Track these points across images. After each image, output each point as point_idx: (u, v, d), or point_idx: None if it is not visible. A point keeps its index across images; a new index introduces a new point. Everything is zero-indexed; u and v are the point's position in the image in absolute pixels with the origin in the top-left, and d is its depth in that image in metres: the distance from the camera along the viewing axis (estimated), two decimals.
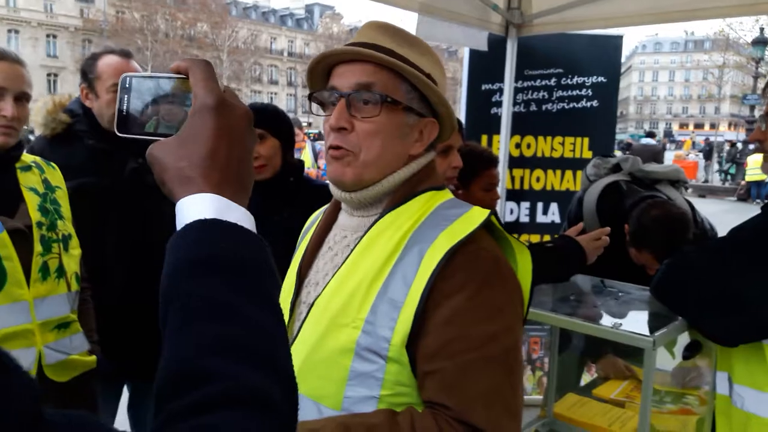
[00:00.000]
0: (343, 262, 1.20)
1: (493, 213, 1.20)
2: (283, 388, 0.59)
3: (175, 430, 0.53)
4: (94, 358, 2.06)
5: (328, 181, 1.30)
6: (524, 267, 1.24)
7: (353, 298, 1.13)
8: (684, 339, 2.23)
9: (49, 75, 51.29)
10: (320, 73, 1.27)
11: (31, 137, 2.63)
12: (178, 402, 0.55)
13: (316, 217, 1.46)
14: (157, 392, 0.57)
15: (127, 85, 0.74)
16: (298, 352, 1.19)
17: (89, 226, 2.20)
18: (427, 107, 1.24)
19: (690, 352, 2.18)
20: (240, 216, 0.67)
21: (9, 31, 49.69)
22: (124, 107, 0.74)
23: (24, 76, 1.88)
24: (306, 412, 1.12)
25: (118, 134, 0.74)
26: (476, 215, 1.18)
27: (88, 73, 2.40)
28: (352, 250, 1.20)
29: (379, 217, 1.21)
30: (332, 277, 1.20)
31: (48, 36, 52.70)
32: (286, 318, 1.27)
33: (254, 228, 0.68)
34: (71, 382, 1.95)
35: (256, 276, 0.64)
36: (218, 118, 0.69)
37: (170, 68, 0.74)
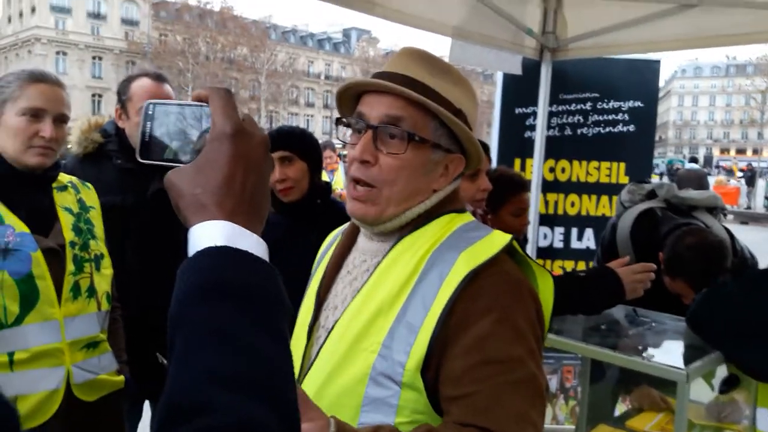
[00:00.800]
0: (362, 286, 1.19)
1: (515, 238, 1.19)
2: (282, 420, 0.59)
3: None
4: (122, 378, 2.07)
5: None
6: (546, 292, 1.22)
7: (373, 323, 1.12)
8: (722, 371, 2.16)
9: (93, 95, 52.89)
10: (349, 98, 1.27)
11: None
12: (176, 431, 0.55)
13: (334, 237, 1.45)
14: (156, 424, 0.57)
15: (150, 112, 0.75)
16: (315, 376, 1.18)
17: (111, 243, 2.23)
18: (454, 143, 1.23)
19: (727, 386, 2.11)
20: (252, 244, 0.66)
21: (57, 53, 51.46)
22: (147, 134, 0.75)
23: (63, 98, 1.93)
24: None
25: (141, 161, 0.75)
26: (497, 239, 1.17)
27: (122, 95, 2.47)
28: (371, 275, 1.19)
29: (398, 240, 1.20)
30: (351, 301, 1.19)
31: (94, 58, 54.47)
32: (303, 341, 1.27)
33: (267, 256, 0.68)
34: (99, 401, 1.96)
35: (264, 305, 0.64)
36: (235, 145, 0.69)
37: (192, 96, 0.76)
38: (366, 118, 1.19)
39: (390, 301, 1.12)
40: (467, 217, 1.26)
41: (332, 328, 1.20)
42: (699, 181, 7.50)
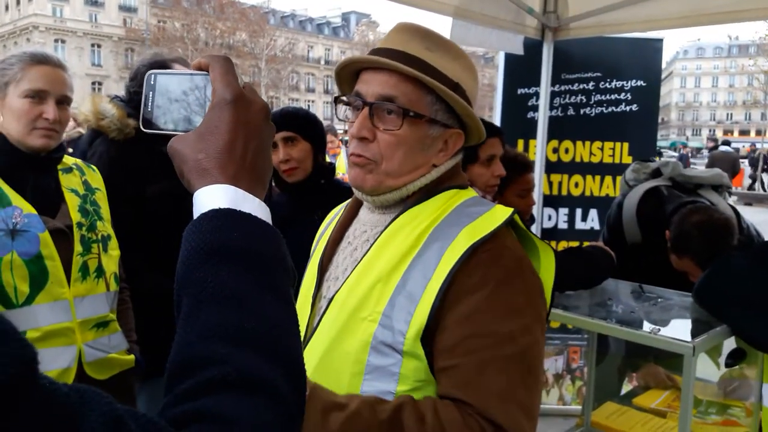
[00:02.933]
0: (363, 257, 1.20)
1: (516, 212, 1.19)
2: (288, 377, 0.60)
3: (170, 414, 0.54)
4: (132, 357, 2.09)
5: None
6: (547, 267, 1.23)
7: (372, 292, 1.14)
8: (728, 347, 2.17)
9: (93, 83, 52.69)
10: (348, 77, 1.28)
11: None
12: (180, 387, 0.56)
13: (336, 212, 1.47)
14: (166, 378, 0.59)
15: (152, 82, 0.76)
16: (317, 346, 1.19)
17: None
18: (453, 117, 1.23)
19: (733, 359, 2.12)
20: (254, 207, 0.68)
21: (56, 41, 51.28)
22: (150, 104, 0.76)
23: (66, 80, 1.93)
24: None
25: (143, 130, 0.76)
26: (499, 213, 1.17)
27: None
28: (371, 245, 1.21)
29: (400, 213, 1.21)
30: (351, 271, 1.21)
31: (92, 45, 54.27)
32: (307, 312, 1.28)
33: (269, 218, 0.69)
34: (110, 380, 1.98)
35: (268, 266, 0.65)
36: (236, 112, 0.70)
37: (192, 65, 0.77)
38: (363, 95, 1.20)
39: (389, 270, 1.13)
40: (469, 193, 1.27)
41: (332, 298, 1.21)
42: (732, 162, 7.55)
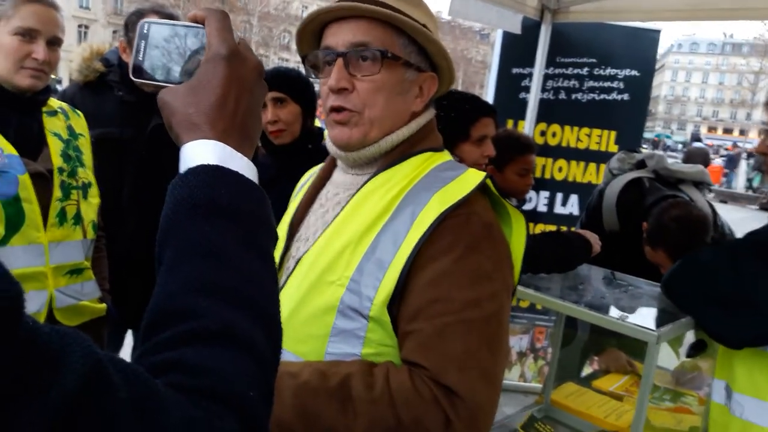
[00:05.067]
0: (333, 220, 1.20)
1: (489, 176, 1.18)
2: (267, 332, 0.61)
3: (148, 361, 0.55)
4: (104, 306, 2.09)
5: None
6: (518, 234, 1.22)
7: (341, 256, 1.12)
8: (690, 339, 2.23)
9: (80, 26, 51.37)
10: (310, 36, 1.25)
11: (59, 87, 2.67)
12: (160, 336, 0.57)
13: (311, 174, 1.45)
14: (142, 328, 0.59)
15: (145, 31, 0.75)
16: (283, 305, 1.19)
17: (106, 176, 2.22)
18: (425, 61, 1.22)
19: (695, 351, 2.18)
20: (242, 165, 0.68)
21: None
22: (141, 53, 0.74)
23: (58, 21, 1.88)
24: None
25: (132, 78, 0.75)
26: (471, 178, 1.15)
27: (129, 29, 2.41)
28: (342, 208, 1.20)
29: (373, 176, 1.20)
30: (321, 233, 1.20)
31: None
32: None
33: (256, 178, 0.69)
34: (80, 327, 1.98)
35: (252, 224, 0.66)
36: (229, 67, 0.70)
37: (188, 17, 0.75)
38: (333, 47, 1.17)
39: (359, 235, 1.12)
40: (444, 156, 1.26)
41: (300, 258, 1.21)
42: (704, 158, 7.83)
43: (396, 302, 1.07)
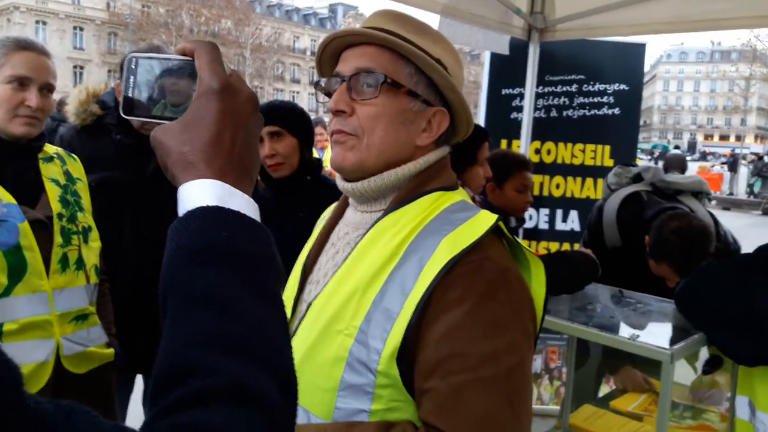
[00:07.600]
0: (343, 262, 1.15)
1: (501, 218, 1.11)
2: (280, 386, 0.57)
3: (158, 426, 0.52)
4: (111, 351, 2.06)
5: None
6: (538, 278, 1.13)
7: (348, 303, 1.07)
8: (706, 353, 2.20)
9: (75, 67, 51.84)
10: (328, 62, 1.24)
11: (61, 128, 2.66)
12: (168, 397, 0.54)
13: (330, 210, 1.41)
14: (152, 385, 0.56)
15: (133, 66, 0.72)
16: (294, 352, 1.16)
17: (107, 220, 2.22)
18: (436, 95, 1.17)
19: (710, 367, 2.15)
20: (242, 203, 0.65)
21: (37, 22, 50.26)
22: (131, 89, 0.72)
23: (49, 67, 1.90)
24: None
25: (124, 116, 0.73)
26: (483, 220, 1.08)
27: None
28: (352, 249, 1.15)
29: (383, 215, 1.15)
30: (331, 276, 1.15)
31: (75, 28, 53.27)
32: (288, 315, 1.21)
33: (257, 216, 0.66)
34: (89, 374, 1.96)
35: (257, 268, 0.63)
36: (222, 101, 0.67)
37: (176, 49, 0.72)
38: (341, 73, 1.17)
39: (366, 281, 1.07)
40: (457, 195, 1.19)
41: (311, 302, 1.17)
42: (681, 163, 7.99)
43: (406, 355, 1.00)
